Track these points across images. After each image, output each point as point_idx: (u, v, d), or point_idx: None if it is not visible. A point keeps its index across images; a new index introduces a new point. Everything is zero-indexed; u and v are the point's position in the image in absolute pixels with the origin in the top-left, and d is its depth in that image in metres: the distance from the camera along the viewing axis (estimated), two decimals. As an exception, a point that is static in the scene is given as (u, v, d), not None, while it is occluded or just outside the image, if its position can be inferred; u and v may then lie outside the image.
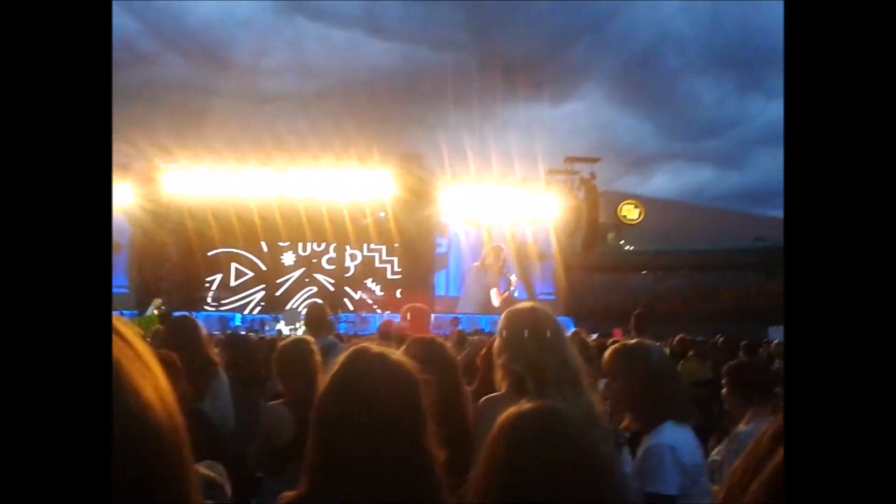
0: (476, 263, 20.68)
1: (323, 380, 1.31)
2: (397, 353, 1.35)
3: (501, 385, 2.10)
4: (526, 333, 2.07)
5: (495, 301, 20.21)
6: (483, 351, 3.06)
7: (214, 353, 3.35)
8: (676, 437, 2.06)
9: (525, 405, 1.21)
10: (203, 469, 1.37)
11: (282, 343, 2.92)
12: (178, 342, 3.05)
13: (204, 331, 3.38)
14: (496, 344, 2.16)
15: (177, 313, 18.34)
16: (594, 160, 22.05)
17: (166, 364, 1.97)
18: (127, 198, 19.45)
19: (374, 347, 1.34)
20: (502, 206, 20.84)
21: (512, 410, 1.21)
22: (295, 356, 2.68)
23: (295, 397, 2.57)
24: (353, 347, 1.35)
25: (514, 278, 20.38)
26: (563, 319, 17.97)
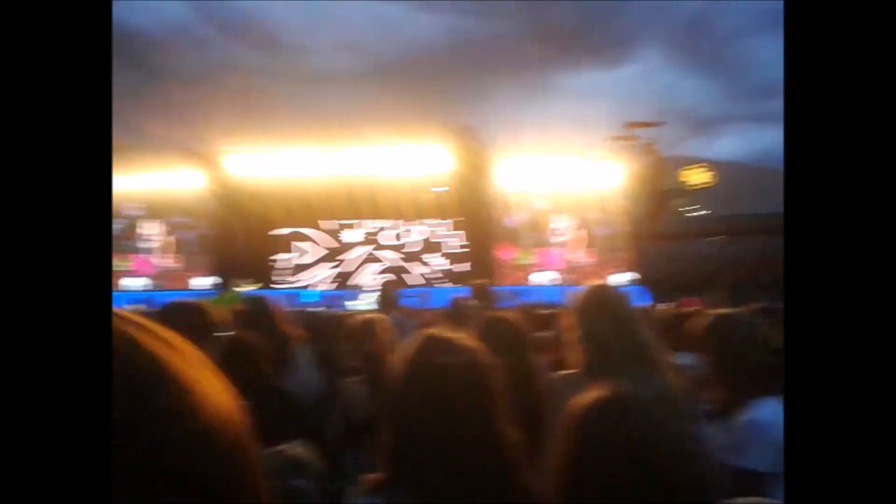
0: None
1: (394, 365, 1.34)
2: (466, 338, 1.36)
3: (571, 360, 2.11)
4: (596, 310, 2.06)
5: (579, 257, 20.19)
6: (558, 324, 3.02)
7: (290, 330, 3.45)
8: (770, 412, 1.99)
9: (590, 394, 1.21)
10: (289, 450, 1.43)
11: (355, 321, 2.96)
12: (256, 322, 3.16)
13: (280, 309, 3.47)
14: (567, 322, 2.17)
15: (250, 292, 19.19)
16: (655, 124, 21.28)
17: (247, 345, 2.01)
18: (196, 182, 20.26)
19: (443, 333, 1.37)
20: (562, 176, 20.47)
21: (576, 402, 1.21)
22: (367, 335, 2.72)
23: (369, 374, 2.61)
24: (424, 333, 1.37)
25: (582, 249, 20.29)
26: (632, 289, 17.73)
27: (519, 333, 2.27)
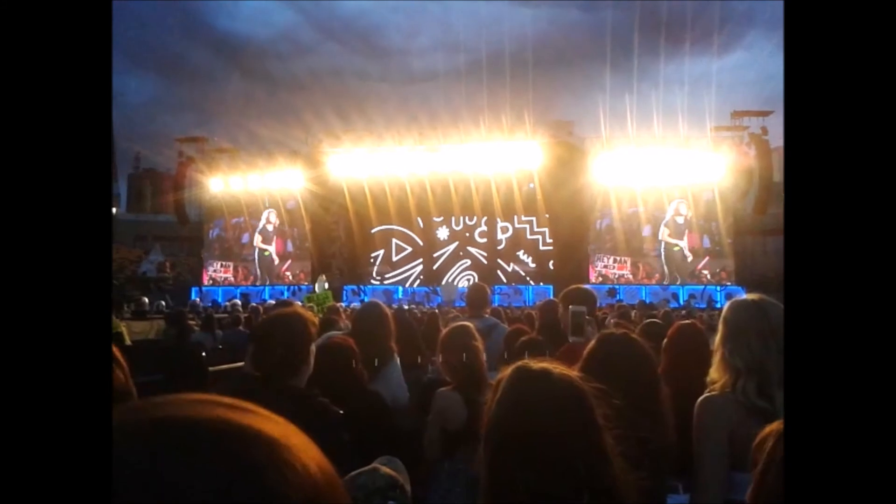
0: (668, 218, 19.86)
1: (489, 398, 1.29)
2: (561, 368, 1.28)
3: (716, 378, 1.93)
4: (751, 326, 1.89)
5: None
6: (672, 334, 2.91)
7: (389, 335, 3.46)
8: None
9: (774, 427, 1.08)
10: (384, 469, 1.40)
11: (445, 331, 2.99)
12: (365, 325, 3.28)
13: (389, 315, 3.51)
14: (718, 336, 1.99)
15: (348, 287, 19.76)
16: (765, 113, 19.82)
17: (343, 349, 2.06)
18: (298, 182, 21.30)
19: (536, 364, 1.27)
20: (665, 168, 19.60)
21: (779, 435, 1.08)
22: (457, 343, 2.75)
23: (462, 383, 2.63)
24: (515, 366, 1.29)
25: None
26: (733, 289, 16.62)
27: (640, 354, 2.06)
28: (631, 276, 20.08)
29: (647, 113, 20.31)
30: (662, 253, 19.98)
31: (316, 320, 2.31)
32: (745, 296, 2.06)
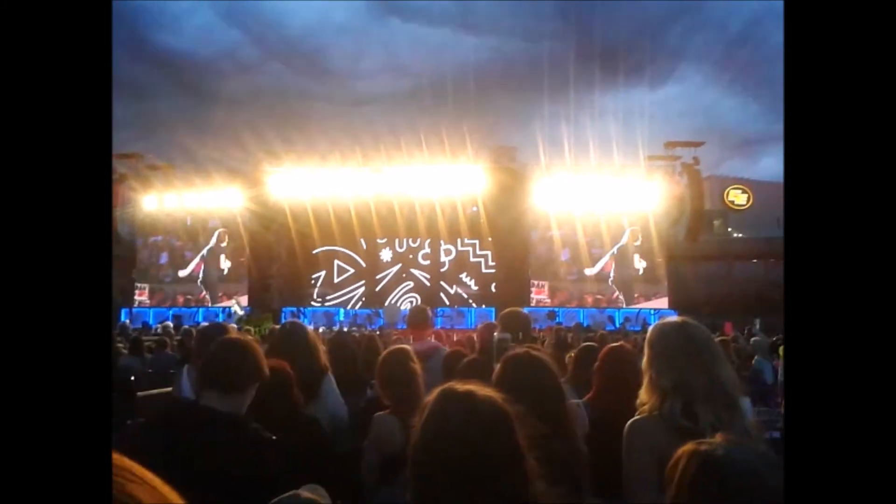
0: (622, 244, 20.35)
1: (416, 424, 1.28)
2: (485, 390, 1.28)
3: (645, 399, 1.98)
4: (676, 348, 1.93)
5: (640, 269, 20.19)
6: (602, 356, 2.96)
7: (323, 355, 3.44)
8: None
9: (703, 447, 1.11)
10: (306, 493, 1.38)
11: (383, 354, 2.97)
12: (288, 348, 3.18)
13: (312, 334, 3.48)
14: (645, 358, 2.04)
15: (287, 309, 19.32)
16: (697, 144, 20.88)
17: (278, 372, 2.03)
18: (237, 201, 20.80)
19: (461, 387, 1.28)
20: (601, 195, 20.27)
21: (690, 455, 1.11)
22: (395, 366, 2.73)
23: (399, 407, 2.62)
24: (441, 389, 1.29)
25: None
26: (667, 312, 17.21)
27: (546, 375, 2.11)
28: (569, 300, 20.49)
29: (584, 141, 21.03)
30: (613, 276, 20.47)
31: (258, 348, 2.27)
32: (668, 318, 2.13)
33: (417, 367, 2.80)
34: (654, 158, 20.88)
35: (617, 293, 20.40)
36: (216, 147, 22.73)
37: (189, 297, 21.45)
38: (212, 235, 21.51)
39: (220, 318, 17.88)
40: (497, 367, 2.13)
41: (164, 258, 21.86)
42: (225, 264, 21.54)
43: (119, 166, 21.44)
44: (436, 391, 1.30)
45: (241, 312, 17.60)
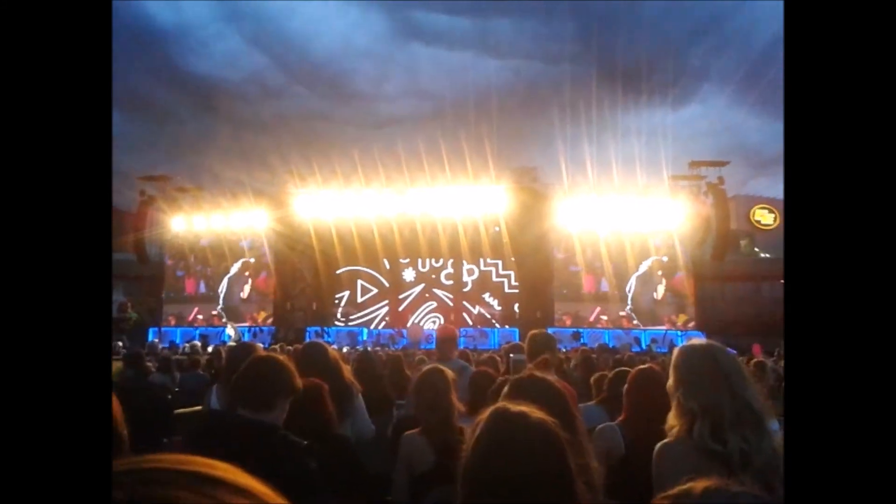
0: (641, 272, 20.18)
1: (466, 442, 1.30)
2: (537, 412, 1.31)
3: (673, 423, 1.97)
4: (702, 371, 1.91)
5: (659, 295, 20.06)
6: (632, 379, 2.94)
7: (350, 374, 3.46)
8: None
9: (688, 488, 1.09)
10: None
11: (420, 374, 2.99)
12: (317, 370, 3.21)
13: (333, 353, 3.49)
14: (671, 382, 2.03)
15: (311, 329, 19.41)
16: (722, 163, 20.69)
17: (315, 391, 2.05)
18: (263, 222, 21.13)
19: (513, 407, 1.31)
20: (624, 215, 20.15)
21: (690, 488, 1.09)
22: (432, 387, 2.74)
23: (432, 426, 2.63)
24: (493, 408, 1.32)
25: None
26: (694, 333, 16.90)
27: (556, 395, 2.08)
28: (593, 320, 20.30)
29: (607, 161, 20.97)
30: (631, 304, 20.26)
31: (290, 365, 2.32)
32: (693, 341, 2.12)
33: (453, 388, 2.81)
34: (679, 178, 20.74)
35: (635, 320, 20.15)
36: (243, 169, 23.14)
37: (213, 314, 21.69)
38: (237, 258, 21.77)
39: (246, 338, 18.09)
40: (505, 390, 2.12)
41: (189, 279, 22.21)
42: (245, 291, 21.71)
43: (147, 188, 21.97)
44: (488, 410, 1.31)
45: (233, 335, 17.77)
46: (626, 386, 2.94)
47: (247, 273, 21.86)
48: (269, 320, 21.04)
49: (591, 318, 20.27)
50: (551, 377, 2.17)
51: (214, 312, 21.67)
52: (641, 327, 20.01)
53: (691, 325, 19.98)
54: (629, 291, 20.25)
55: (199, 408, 4.30)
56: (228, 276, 21.87)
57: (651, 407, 2.65)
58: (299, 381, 2.24)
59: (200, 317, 21.73)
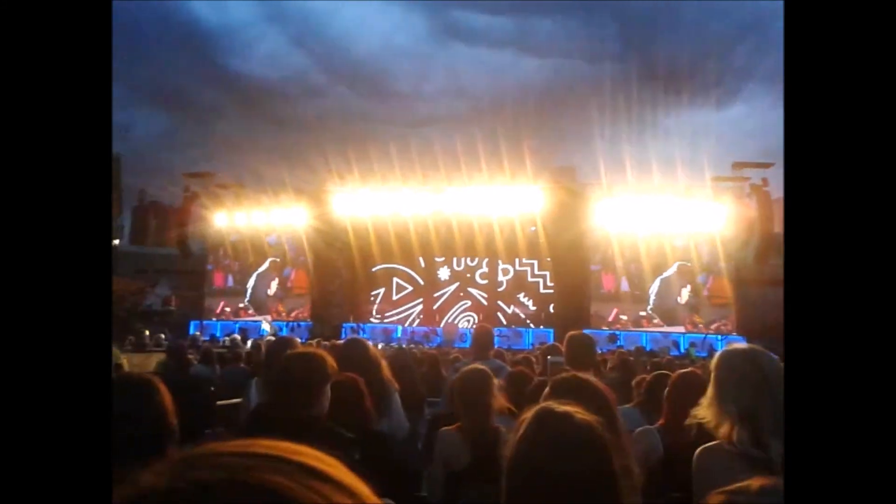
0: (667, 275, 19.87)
1: (511, 440, 1.31)
2: (583, 413, 1.31)
3: (715, 429, 1.95)
4: (743, 376, 1.89)
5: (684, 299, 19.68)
6: (673, 382, 2.90)
7: (388, 372, 3.49)
8: None
9: (746, 485, 1.08)
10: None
11: (462, 373, 3.00)
12: (357, 366, 3.26)
13: (374, 350, 3.52)
14: (711, 385, 2.01)
15: (347, 325, 19.69)
16: (766, 165, 20.08)
17: (353, 386, 2.09)
18: (301, 219, 21.48)
19: (559, 407, 1.31)
20: (664, 216, 19.78)
21: (724, 497, 1.08)
22: (472, 385, 2.75)
23: (469, 425, 2.64)
24: (539, 408, 1.32)
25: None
26: (734, 338, 16.50)
27: (601, 398, 2.06)
28: (612, 320, 19.98)
29: (647, 162, 20.62)
30: (652, 304, 19.91)
31: (333, 362, 2.37)
32: (735, 345, 2.09)
33: (496, 388, 2.82)
34: (721, 180, 20.24)
35: (656, 319, 19.76)
36: (283, 167, 23.57)
37: (240, 307, 22.12)
38: (266, 255, 22.12)
39: (284, 332, 18.42)
40: (546, 390, 2.12)
41: (218, 272, 22.73)
42: (273, 288, 22.09)
43: (191, 184, 22.55)
44: (532, 410, 1.32)
45: (269, 330, 18.08)
46: (666, 390, 2.90)
47: (275, 271, 22.19)
48: (297, 316, 21.37)
49: (610, 318, 19.95)
50: (593, 379, 2.16)
51: (242, 305, 22.11)
52: (667, 329, 19.64)
53: (726, 328, 19.49)
54: (652, 293, 19.84)
55: (239, 400, 4.42)
56: (258, 272, 22.22)
57: (691, 411, 2.61)
58: (335, 372, 2.29)
59: (228, 309, 22.19)
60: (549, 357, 3.27)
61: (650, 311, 19.83)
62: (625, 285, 20.02)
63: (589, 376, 2.21)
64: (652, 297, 19.87)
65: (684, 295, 19.78)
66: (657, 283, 19.82)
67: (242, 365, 7.25)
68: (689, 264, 19.62)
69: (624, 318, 19.87)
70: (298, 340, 5.15)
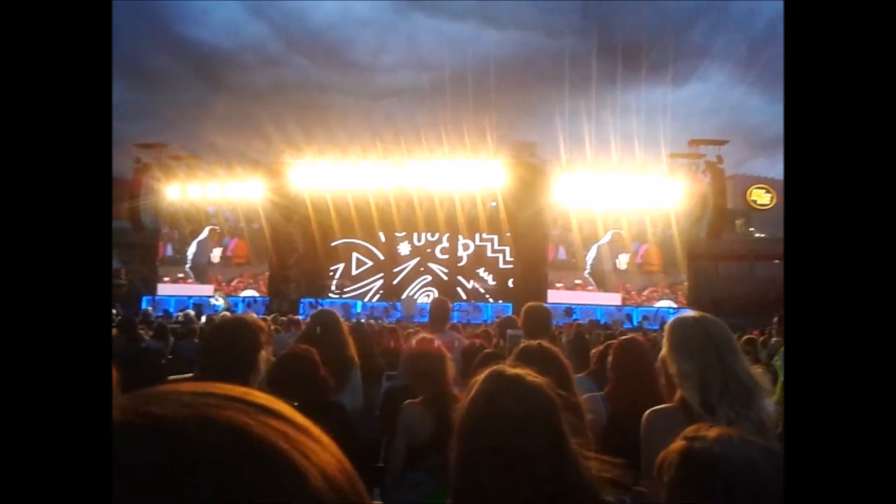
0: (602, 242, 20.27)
1: (461, 402, 1.31)
2: (533, 375, 1.33)
3: (667, 394, 2.01)
4: (693, 341, 1.95)
5: (622, 265, 20.17)
6: (615, 350, 2.96)
7: (353, 347, 3.44)
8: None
9: (702, 433, 1.11)
10: None
11: (415, 344, 3.00)
12: (322, 336, 3.23)
13: (345, 325, 3.50)
14: (662, 353, 2.06)
15: (305, 300, 19.47)
16: (721, 143, 20.60)
17: (305, 359, 2.05)
18: (258, 192, 21.02)
19: (509, 370, 1.32)
20: (622, 192, 20.12)
21: (684, 443, 1.11)
22: (428, 358, 2.76)
23: (431, 397, 2.65)
24: (490, 370, 1.32)
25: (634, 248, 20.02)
26: (686, 311, 17.16)
27: (562, 368, 2.12)
28: (587, 297, 20.39)
29: (605, 138, 20.87)
30: (590, 269, 20.35)
31: (267, 329, 2.31)
32: (686, 312, 2.15)
33: (449, 359, 2.83)
34: (678, 156, 20.66)
35: (591, 286, 20.23)
36: (239, 139, 22.96)
37: (179, 276, 21.66)
38: (206, 224, 21.67)
39: (241, 309, 18.14)
40: (509, 359, 2.16)
41: (159, 242, 22.21)
42: (216, 255, 21.74)
43: (142, 155, 21.77)
44: (484, 372, 1.32)
45: (223, 305, 17.84)
46: (609, 358, 2.97)
47: (215, 247, 21.73)
48: (237, 286, 21.02)
49: (584, 294, 20.36)
50: (554, 347, 2.21)
51: (181, 275, 21.66)
52: (637, 303, 20.15)
53: (656, 295, 20.13)
54: (589, 260, 20.30)
55: (187, 375, 4.33)
56: (197, 240, 21.73)
57: (633, 377, 2.68)
58: (269, 339, 2.23)
59: (167, 279, 21.72)
60: (508, 330, 3.29)
61: (587, 276, 20.24)
62: (562, 253, 20.42)
63: (550, 345, 2.25)
64: (589, 264, 20.30)
65: (621, 261, 20.25)
66: (593, 249, 20.22)
67: (196, 340, 7.11)
68: (622, 232, 20.05)
69: (559, 284, 20.27)
70: (254, 315, 5.06)
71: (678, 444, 1.10)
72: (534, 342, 2.27)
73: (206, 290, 20.99)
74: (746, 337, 7.59)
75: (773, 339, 8.99)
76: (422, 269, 21.53)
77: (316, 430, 0.43)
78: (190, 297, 21.06)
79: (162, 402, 0.39)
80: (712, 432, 1.07)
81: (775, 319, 5.91)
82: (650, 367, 2.63)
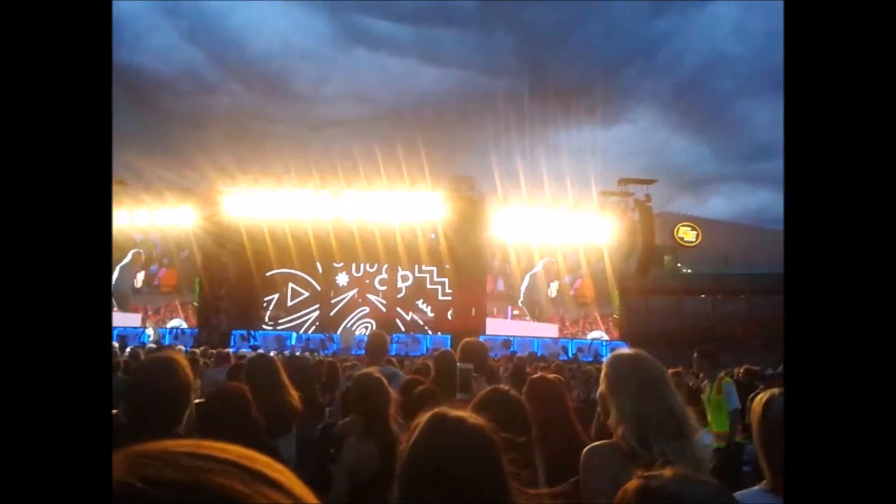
0: (534, 271, 20.66)
1: (403, 447, 1.31)
2: (475, 417, 1.34)
3: (608, 429, 2.05)
4: (630, 379, 2.00)
5: (552, 294, 20.65)
6: (525, 391, 2.98)
7: (293, 395, 3.28)
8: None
9: (654, 482, 1.15)
10: None
11: (356, 379, 2.95)
12: (262, 380, 3.06)
13: (281, 371, 3.34)
14: (600, 389, 2.11)
15: (236, 332, 18.75)
16: (649, 182, 21.65)
17: (236, 397, 1.96)
18: (189, 220, 20.32)
19: (452, 413, 1.33)
20: (556, 227, 20.70)
21: (640, 481, 1.15)
22: (370, 392, 2.72)
23: (373, 433, 2.61)
24: (432, 413, 1.33)
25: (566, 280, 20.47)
26: (618, 343, 17.58)
27: (518, 410, 2.15)
28: (526, 327, 20.68)
29: (539, 175, 21.56)
30: (523, 298, 20.76)
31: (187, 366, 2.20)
32: (623, 350, 2.23)
33: (391, 392, 2.80)
34: (608, 194, 21.52)
35: (527, 316, 20.66)
36: (170, 166, 22.23)
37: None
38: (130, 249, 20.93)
39: (167, 341, 17.32)
40: (476, 401, 2.15)
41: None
42: (139, 281, 21.00)
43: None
44: (427, 415, 1.33)
45: (152, 336, 17.10)
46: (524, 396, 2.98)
47: (137, 272, 21.00)
48: (165, 315, 20.23)
49: (521, 327, 20.64)
50: (513, 392, 2.21)
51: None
52: (574, 336, 20.57)
53: (589, 327, 20.71)
54: (523, 289, 20.76)
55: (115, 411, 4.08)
56: (120, 265, 20.86)
57: (550, 413, 2.71)
58: (189, 381, 2.13)
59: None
60: (458, 364, 3.30)
61: (521, 305, 20.60)
62: (500, 285, 20.79)
63: (511, 390, 2.25)
64: (522, 292, 20.71)
65: (553, 289, 20.77)
66: (526, 279, 20.66)
67: (119, 374, 6.72)
68: (553, 260, 20.62)
69: (495, 311, 20.61)
70: (181, 348, 4.84)
71: (634, 482, 1.13)
72: (490, 388, 2.28)
73: (130, 319, 19.97)
74: (674, 371, 7.86)
75: (700, 374, 9.37)
76: (360, 300, 21.27)
77: (314, 499, 0.43)
78: (114, 327, 19.94)
79: (158, 463, 0.39)
80: (667, 471, 1.11)
81: (695, 355, 6.11)
82: (563, 405, 2.68)
